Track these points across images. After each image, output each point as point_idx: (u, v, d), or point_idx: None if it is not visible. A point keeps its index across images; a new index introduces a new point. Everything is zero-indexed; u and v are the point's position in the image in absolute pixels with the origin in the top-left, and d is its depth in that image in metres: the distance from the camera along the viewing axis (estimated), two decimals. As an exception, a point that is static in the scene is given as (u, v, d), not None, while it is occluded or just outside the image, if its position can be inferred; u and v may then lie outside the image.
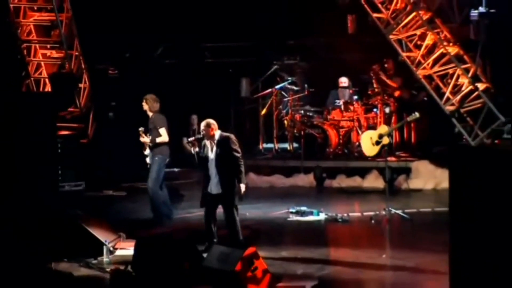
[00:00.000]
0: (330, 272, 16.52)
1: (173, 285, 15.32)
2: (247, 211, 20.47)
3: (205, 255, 15.85)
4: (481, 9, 23.31)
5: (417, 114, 21.71)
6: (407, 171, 24.46)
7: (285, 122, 25.25)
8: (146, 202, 21.24)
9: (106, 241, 17.34)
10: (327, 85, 25.68)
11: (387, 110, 25.39)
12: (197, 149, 17.13)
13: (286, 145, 26.10)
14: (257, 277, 14.46)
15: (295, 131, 25.14)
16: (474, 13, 23.54)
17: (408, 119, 22.39)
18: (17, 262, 16.92)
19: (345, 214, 20.93)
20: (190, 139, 18.05)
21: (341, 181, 24.85)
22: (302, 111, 25.08)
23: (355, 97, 25.02)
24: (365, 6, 23.21)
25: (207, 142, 16.76)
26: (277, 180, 24.62)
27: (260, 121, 25.76)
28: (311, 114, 24.91)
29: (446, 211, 20.08)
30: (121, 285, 15.81)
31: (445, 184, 22.55)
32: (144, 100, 19.97)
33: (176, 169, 25.62)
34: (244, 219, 18.59)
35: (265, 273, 14.48)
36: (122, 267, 16.05)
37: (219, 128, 25.00)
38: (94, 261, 16.92)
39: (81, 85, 22.88)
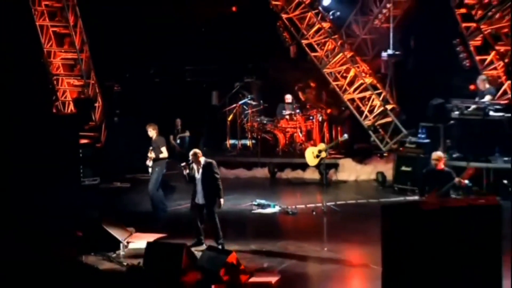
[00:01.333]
0: (288, 266, 16.40)
1: (173, 278, 15.26)
2: (219, 203, 20.46)
3: (197, 254, 16.27)
4: (389, 51, 23.92)
5: (346, 136, 22.37)
6: (335, 166, 24.32)
7: (246, 127, 25.48)
8: (146, 194, 20.96)
9: (122, 239, 17.41)
10: (276, 99, 25.92)
11: (320, 118, 25.14)
12: (187, 171, 17.06)
13: (247, 141, 26.06)
14: (235, 277, 14.74)
15: (254, 134, 25.42)
16: (384, 54, 24.13)
17: (340, 139, 23.32)
18: (51, 255, 17.55)
19: (293, 207, 20.93)
20: (183, 164, 17.54)
21: (288, 174, 24.95)
22: (258, 120, 25.32)
23: (298, 110, 25.15)
24: (306, 48, 23.70)
25: (195, 166, 16.86)
26: (241, 172, 24.87)
27: (227, 125, 25.82)
28: (265, 122, 25.15)
29: (365, 203, 22.11)
30: (135, 278, 16.00)
31: (363, 176, 25.01)
32: (149, 126, 20.04)
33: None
34: (218, 211, 17.63)
35: (241, 273, 14.89)
36: (135, 262, 16.39)
37: (196, 127, 25.78)
38: (113, 255, 17.03)
39: (96, 104, 23.11)
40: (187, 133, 26.43)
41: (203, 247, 16.92)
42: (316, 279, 16.32)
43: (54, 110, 22.35)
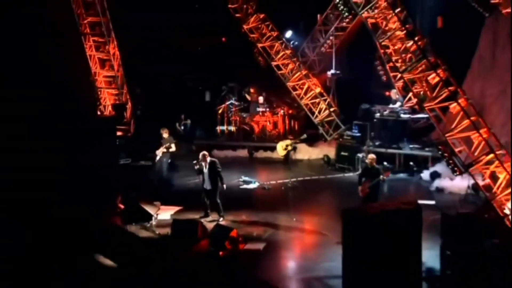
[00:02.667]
0: (270, 234, 16.39)
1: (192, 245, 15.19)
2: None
3: (206, 224, 16.47)
4: (332, 71, 24.43)
5: (305, 135, 22.75)
6: (294, 149, 23.31)
7: (231, 120, 25.43)
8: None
9: (153, 213, 17.39)
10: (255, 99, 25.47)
11: (282, 113, 25.17)
12: (197, 166, 17.08)
13: (231, 127, 25.58)
14: (236, 244, 14.97)
15: (237, 125, 25.40)
16: (328, 72, 24.59)
17: (301, 138, 22.65)
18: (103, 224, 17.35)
19: (268, 183, 20.86)
20: (194, 162, 17.53)
21: (261, 154, 24.53)
22: (239, 114, 25.41)
23: (267, 108, 25.21)
24: (274, 67, 23.67)
25: (203, 163, 16.96)
26: (228, 153, 24.39)
27: (218, 117, 25.58)
28: (244, 116, 25.28)
29: (317, 178, 21.79)
30: (166, 244, 15.94)
31: (313, 157, 24.35)
32: (163, 130, 20.42)
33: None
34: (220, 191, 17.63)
35: (239, 243, 15.09)
36: (164, 232, 16.45)
37: (194, 117, 25.77)
38: (148, 225, 17.13)
39: (127, 106, 22.96)
40: (188, 121, 26.13)
41: (210, 218, 17.09)
42: (290, 245, 16.16)
43: (98, 113, 22.24)
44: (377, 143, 22.30)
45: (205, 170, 17.06)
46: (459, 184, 19.57)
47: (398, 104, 22.99)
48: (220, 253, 15.10)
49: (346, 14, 16.87)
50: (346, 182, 21.26)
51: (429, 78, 14.48)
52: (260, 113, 25.23)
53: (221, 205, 17.24)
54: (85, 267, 15.44)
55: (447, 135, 14.44)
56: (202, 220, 16.90)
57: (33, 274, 14.72)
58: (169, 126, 23.74)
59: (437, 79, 14.34)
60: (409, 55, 16.00)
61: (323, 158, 23.42)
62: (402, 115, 22.65)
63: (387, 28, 15.36)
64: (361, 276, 12.02)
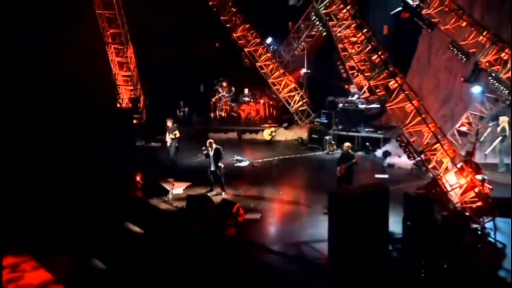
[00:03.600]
0: (263, 206, 16.34)
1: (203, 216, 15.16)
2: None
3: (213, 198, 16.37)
4: (304, 70, 24.48)
5: (286, 124, 23.06)
6: (275, 131, 23.48)
7: (222, 108, 25.18)
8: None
9: (170, 189, 17.20)
10: (239, 92, 25.41)
11: (262, 103, 25.01)
12: (205, 152, 16.92)
13: (222, 113, 25.29)
14: (239, 215, 14.91)
15: (227, 112, 25.22)
16: (301, 71, 24.60)
17: (284, 126, 23.41)
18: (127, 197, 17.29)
19: (256, 161, 20.56)
20: (203, 148, 17.30)
21: (247, 136, 24.02)
22: (229, 104, 25.16)
23: (252, 99, 25.05)
24: (258, 67, 23.45)
25: (209, 148, 16.87)
26: (221, 135, 23.68)
27: (211, 106, 25.33)
28: (233, 105, 24.99)
29: (294, 157, 21.43)
30: (182, 215, 15.70)
31: (289, 138, 23.88)
32: (168, 119, 20.03)
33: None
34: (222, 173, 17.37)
35: (241, 214, 15.02)
36: (180, 205, 16.26)
37: (191, 105, 25.31)
38: (166, 199, 16.90)
39: (141, 99, 22.90)
40: (186, 109, 25.63)
41: (214, 192, 16.98)
42: (280, 215, 16.13)
43: (118, 105, 22.08)
44: (340, 128, 22.33)
45: (211, 154, 16.99)
46: (406, 161, 18.99)
47: (356, 96, 23.02)
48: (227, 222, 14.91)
49: (324, 31, 16.72)
50: (317, 160, 21.32)
51: (389, 84, 14.41)
52: (246, 103, 25.00)
53: (223, 182, 17.17)
54: (117, 233, 15.49)
55: (403, 128, 14.43)
56: (209, 194, 16.85)
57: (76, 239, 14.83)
58: (172, 113, 23.72)
59: (396, 85, 14.38)
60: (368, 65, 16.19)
61: (297, 139, 23.23)
62: (359, 105, 22.71)
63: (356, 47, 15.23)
64: (343, 241, 12.20)
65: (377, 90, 14.86)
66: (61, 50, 17.98)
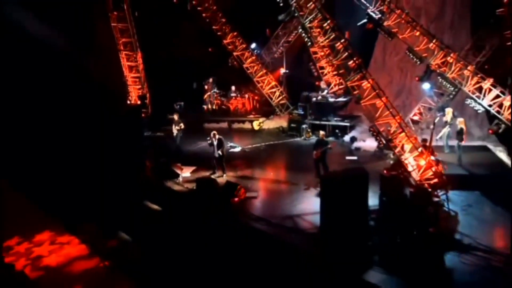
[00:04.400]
0: (258, 185, 16.46)
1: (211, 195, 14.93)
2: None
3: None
4: (283, 70, 24.40)
5: (272, 117, 22.88)
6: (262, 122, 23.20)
7: (213, 102, 24.82)
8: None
9: (180, 173, 17.03)
10: (228, 89, 25.08)
11: (247, 97, 24.76)
12: (210, 141, 16.92)
13: (214, 106, 24.87)
14: (240, 194, 15.09)
15: (218, 105, 24.82)
16: (281, 71, 24.57)
17: (271, 117, 23.16)
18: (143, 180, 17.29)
19: (246, 147, 20.34)
20: (208, 138, 17.28)
21: (236, 125, 23.44)
22: (220, 99, 24.88)
23: (238, 94, 24.74)
24: (244, 68, 23.01)
25: (213, 139, 16.85)
26: (214, 125, 22.64)
27: (204, 100, 24.87)
28: (223, 100, 24.70)
29: (277, 143, 21.24)
30: (193, 195, 15.65)
31: (271, 127, 23.48)
32: (175, 114, 20.01)
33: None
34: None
35: (242, 192, 15.18)
36: (190, 186, 16.18)
37: (186, 100, 24.94)
38: (177, 181, 16.77)
39: (147, 96, 22.30)
40: (182, 103, 24.92)
41: (216, 174, 16.95)
42: (273, 193, 16.10)
43: (128, 102, 21.76)
44: (314, 118, 22.24)
45: (215, 143, 16.99)
46: (369, 144, 20.04)
47: (326, 91, 23.20)
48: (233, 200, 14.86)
49: (309, 41, 16.78)
50: (296, 145, 21.28)
51: (362, 85, 14.56)
52: (233, 98, 24.83)
53: (224, 166, 17.26)
54: (139, 210, 15.63)
55: (375, 121, 14.60)
56: (213, 176, 16.85)
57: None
58: (171, 107, 23.65)
59: (368, 85, 14.57)
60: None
61: (278, 128, 23.10)
62: (329, 99, 22.84)
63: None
64: (332, 215, 12.21)
65: (353, 90, 14.93)
66: (86, 55, 18.09)
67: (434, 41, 17.06)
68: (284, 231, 13.14)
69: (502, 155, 18.12)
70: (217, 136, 17.02)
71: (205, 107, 25.15)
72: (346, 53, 14.70)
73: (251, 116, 24.02)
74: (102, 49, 19.06)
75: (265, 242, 12.83)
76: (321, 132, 17.27)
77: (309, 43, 16.90)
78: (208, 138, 17.23)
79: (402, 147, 14.59)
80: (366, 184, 12.35)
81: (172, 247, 13.83)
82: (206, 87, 24.93)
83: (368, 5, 17.74)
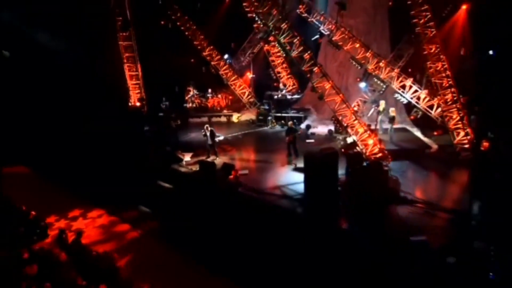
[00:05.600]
0: (246, 165, 16.28)
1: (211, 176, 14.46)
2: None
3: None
4: (250, 75, 24.25)
5: (245, 112, 22.74)
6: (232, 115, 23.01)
7: (194, 101, 24.17)
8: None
9: (183, 158, 16.76)
10: (206, 91, 24.32)
11: (220, 97, 24.25)
12: (204, 133, 16.73)
13: (195, 104, 24.07)
14: (236, 173, 14.28)
15: (198, 104, 24.17)
16: (249, 76, 24.47)
17: (251, 107, 22.85)
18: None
19: (229, 135, 19.82)
20: (202, 130, 16.89)
21: (214, 119, 22.67)
22: (200, 98, 24.26)
23: (214, 95, 24.16)
24: (221, 75, 22.63)
25: (206, 131, 16.65)
26: (196, 120, 22.36)
27: (186, 100, 23.96)
28: (204, 99, 24.12)
29: (251, 132, 20.90)
30: (196, 176, 15.20)
31: (242, 119, 23.12)
32: (174, 113, 19.93)
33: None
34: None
35: (236, 170, 14.50)
36: (194, 168, 15.76)
37: (170, 101, 23.79)
38: (183, 164, 16.45)
39: (144, 99, 21.25)
40: (167, 103, 22.78)
41: (211, 158, 16.50)
42: (258, 170, 15.87)
43: (129, 104, 21.06)
44: (276, 111, 22.31)
45: (208, 134, 16.81)
46: (321, 130, 20.54)
47: (285, 91, 23.41)
48: (230, 177, 14.34)
49: (284, 53, 17.01)
50: (264, 133, 21.23)
51: (325, 86, 14.99)
52: (210, 97, 24.42)
53: (217, 151, 17.03)
54: (154, 188, 15.51)
55: (336, 112, 15.09)
56: (208, 159, 16.50)
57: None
58: (158, 106, 22.10)
59: (329, 85, 15.03)
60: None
61: (249, 120, 22.96)
62: (287, 96, 23.08)
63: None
64: (312, 186, 12.48)
65: (318, 89, 15.37)
66: (100, 66, 17.78)
67: (369, 51, 17.72)
68: (276, 198, 13.31)
69: (419, 134, 19.30)
70: (209, 128, 16.86)
71: (187, 105, 24.56)
72: (312, 62, 15.09)
73: (225, 111, 23.74)
74: (111, 61, 18.71)
75: (262, 208, 12.92)
76: (290, 122, 17.51)
77: (284, 54, 17.14)
78: (202, 130, 16.92)
79: (356, 131, 15.17)
80: (337, 159, 12.71)
81: (183, 215, 13.79)
82: (189, 89, 24.47)
83: (319, 24, 18.40)
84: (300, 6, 18.55)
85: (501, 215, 10.02)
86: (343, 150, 14.99)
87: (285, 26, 14.86)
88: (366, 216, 11.40)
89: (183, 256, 11.82)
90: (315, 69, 14.93)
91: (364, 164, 13.36)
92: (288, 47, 14.88)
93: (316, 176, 12.27)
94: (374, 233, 10.75)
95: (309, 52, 14.98)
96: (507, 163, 11.47)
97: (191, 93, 24.36)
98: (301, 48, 14.82)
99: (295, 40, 14.91)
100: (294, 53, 14.91)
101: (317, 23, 18.20)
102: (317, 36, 18.01)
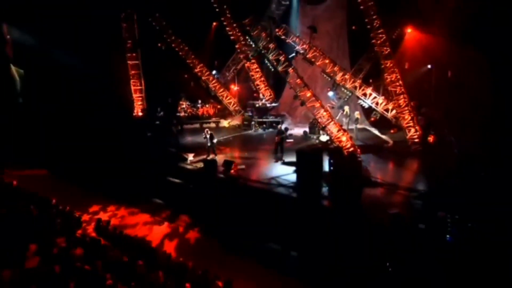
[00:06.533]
0: (242, 161, 16.16)
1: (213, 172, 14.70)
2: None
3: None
4: (235, 87, 23.93)
5: (230, 120, 22.79)
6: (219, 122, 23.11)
7: (189, 110, 24.13)
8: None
9: (187, 157, 16.71)
10: (196, 100, 24.34)
11: (207, 106, 24.22)
12: (205, 135, 16.77)
13: (187, 113, 23.85)
14: (235, 167, 14.88)
15: (190, 113, 24.01)
16: (234, 87, 24.11)
17: (237, 115, 22.83)
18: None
19: (221, 138, 19.44)
20: (203, 133, 16.82)
21: (205, 125, 21.62)
22: (191, 108, 24.13)
23: (203, 104, 24.10)
24: (209, 88, 22.82)
25: (207, 134, 16.79)
26: (189, 126, 22.19)
27: (179, 110, 23.73)
28: (194, 109, 24.00)
29: (239, 135, 20.77)
30: (201, 172, 15.06)
31: (231, 124, 22.75)
32: (174, 120, 19.75)
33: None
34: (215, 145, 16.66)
35: (236, 166, 14.97)
36: (199, 165, 15.69)
37: (164, 110, 23.42)
38: (188, 161, 16.46)
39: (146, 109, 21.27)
40: (162, 112, 22.24)
41: (210, 157, 16.39)
42: (252, 166, 15.87)
43: (133, 114, 20.94)
44: (258, 117, 22.49)
45: (208, 137, 16.89)
46: (297, 132, 20.94)
47: (264, 100, 23.65)
48: (231, 171, 14.79)
49: (272, 68, 17.56)
50: (250, 135, 21.25)
51: (306, 94, 15.67)
52: (200, 107, 24.40)
53: (215, 150, 17.14)
54: (164, 182, 15.74)
55: (315, 116, 15.72)
56: (208, 158, 16.48)
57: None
58: (155, 114, 21.88)
59: (309, 94, 15.70)
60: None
61: (236, 125, 23.04)
62: (267, 105, 23.34)
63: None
64: (303, 175, 12.91)
65: (300, 98, 16.06)
66: (112, 80, 17.99)
67: (337, 66, 18.64)
68: (272, 187, 13.65)
69: (377, 132, 20.26)
70: (209, 132, 16.98)
71: (181, 114, 24.49)
72: (296, 75, 15.87)
73: (214, 118, 23.78)
74: (120, 78, 18.83)
75: (262, 195, 13.27)
76: (279, 126, 17.84)
77: (272, 69, 17.79)
78: (203, 134, 17.01)
79: (332, 130, 15.96)
80: (321, 155, 13.34)
81: (193, 205, 14.17)
82: (181, 102, 24.45)
83: (295, 44, 19.29)
84: (277, 30, 19.26)
85: (450, 192, 11.06)
86: (319, 145, 15.77)
87: (273, 46, 15.61)
88: (346, 196, 12.02)
89: (199, 234, 12.46)
90: (298, 81, 15.60)
91: (343, 156, 14.27)
92: (275, 63, 15.47)
93: (306, 167, 12.90)
94: (353, 209, 11.56)
95: (292, 67, 15.70)
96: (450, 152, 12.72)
97: (184, 104, 24.46)
98: (286, 63, 15.50)
99: (280, 57, 15.59)
100: (280, 68, 15.53)
101: (293, 43, 19.03)
102: (293, 54, 18.71)
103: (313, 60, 18.48)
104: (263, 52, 15.72)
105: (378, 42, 17.32)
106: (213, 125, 23.43)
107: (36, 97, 19.26)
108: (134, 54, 19.50)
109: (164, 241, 12.44)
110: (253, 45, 17.79)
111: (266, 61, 16.15)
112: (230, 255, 11.22)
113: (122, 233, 11.15)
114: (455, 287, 8.55)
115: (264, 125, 22.14)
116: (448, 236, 9.81)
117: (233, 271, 9.40)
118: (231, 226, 12.17)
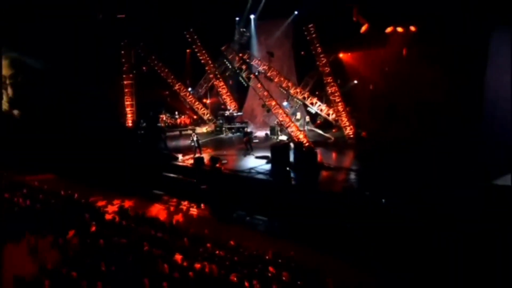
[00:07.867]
0: (224, 158, 15.70)
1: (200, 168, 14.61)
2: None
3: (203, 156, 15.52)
4: (207, 100, 23.67)
5: (216, 124, 22.35)
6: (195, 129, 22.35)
7: (168, 121, 23.53)
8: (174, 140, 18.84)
9: (178, 158, 16.28)
10: (174, 112, 23.93)
11: (185, 117, 23.89)
12: (192, 138, 16.51)
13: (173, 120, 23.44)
14: (220, 164, 14.67)
15: (170, 123, 23.53)
16: (207, 101, 24.13)
17: (210, 122, 22.39)
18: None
19: (200, 141, 17.79)
20: (191, 138, 16.39)
21: (184, 132, 22.10)
22: (171, 119, 23.73)
23: (181, 115, 23.91)
24: (187, 102, 22.77)
25: (194, 138, 16.47)
26: (170, 133, 21.43)
27: (160, 121, 22.88)
28: (173, 119, 23.47)
29: (213, 138, 20.19)
30: (195, 169, 15.04)
31: (206, 130, 22.04)
32: (163, 129, 19.50)
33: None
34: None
35: (220, 161, 14.79)
36: (189, 163, 15.42)
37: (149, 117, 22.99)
38: (179, 159, 16.16)
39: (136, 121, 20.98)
40: (144, 124, 21.52)
41: (197, 155, 15.90)
42: (233, 160, 15.66)
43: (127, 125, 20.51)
44: (227, 124, 22.43)
45: (194, 139, 16.57)
46: (260, 134, 20.90)
47: (231, 110, 23.67)
48: (217, 165, 14.60)
49: (246, 84, 18.11)
50: (222, 138, 20.56)
51: (272, 103, 16.75)
52: (178, 117, 24.18)
53: (201, 150, 17.10)
54: (161, 177, 15.70)
55: (280, 120, 16.33)
56: (195, 156, 15.84)
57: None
58: (139, 125, 21.50)
59: (274, 103, 16.70)
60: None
61: (210, 131, 22.94)
62: (234, 114, 23.28)
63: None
64: (277, 163, 13.67)
65: (267, 106, 17.07)
66: (110, 97, 17.67)
67: (290, 82, 20.08)
68: (253, 174, 13.99)
69: (322, 132, 21.12)
70: (195, 136, 16.76)
71: (161, 124, 24.02)
72: (263, 88, 16.95)
73: (190, 126, 23.46)
74: (116, 94, 18.57)
75: (246, 181, 13.54)
76: (246, 129, 18.53)
77: (246, 85, 18.61)
78: (191, 137, 16.74)
79: (292, 130, 16.73)
80: (288, 149, 14.34)
81: (189, 191, 14.33)
82: (161, 116, 24.07)
83: (257, 66, 20.47)
84: (241, 54, 20.26)
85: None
86: (287, 142, 16.54)
87: (245, 67, 16.56)
88: (308, 178, 13.00)
89: (200, 211, 12.94)
90: (265, 93, 16.69)
91: (304, 149, 15.20)
92: (247, 80, 16.40)
93: (279, 159, 13.86)
94: (314, 187, 12.64)
95: (260, 82, 16.72)
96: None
97: (164, 117, 24.16)
98: (255, 80, 16.54)
99: (251, 75, 16.62)
100: (251, 83, 16.49)
101: (255, 65, 20.18)
102: (257, 73, 19.81)
103: (271, 77, 19.71)
104: (237, 71, 16.53)
105: (321, 63, 18.99)
106: (189, 132, 22.71)
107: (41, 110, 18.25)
108: (130, 75, 19.26)
109: (172, 219, 12.70)
110: (230, 66, 18.42)
111: (241, 78, 16.96)
112: (224, 225, 11.66)
113: (144, 214, 11.31)
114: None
115: (233, 130, 22.48)
116: (383, 200, 11.14)
117: (229, 237, 9.73)
118: (224, 205, 12.54)
